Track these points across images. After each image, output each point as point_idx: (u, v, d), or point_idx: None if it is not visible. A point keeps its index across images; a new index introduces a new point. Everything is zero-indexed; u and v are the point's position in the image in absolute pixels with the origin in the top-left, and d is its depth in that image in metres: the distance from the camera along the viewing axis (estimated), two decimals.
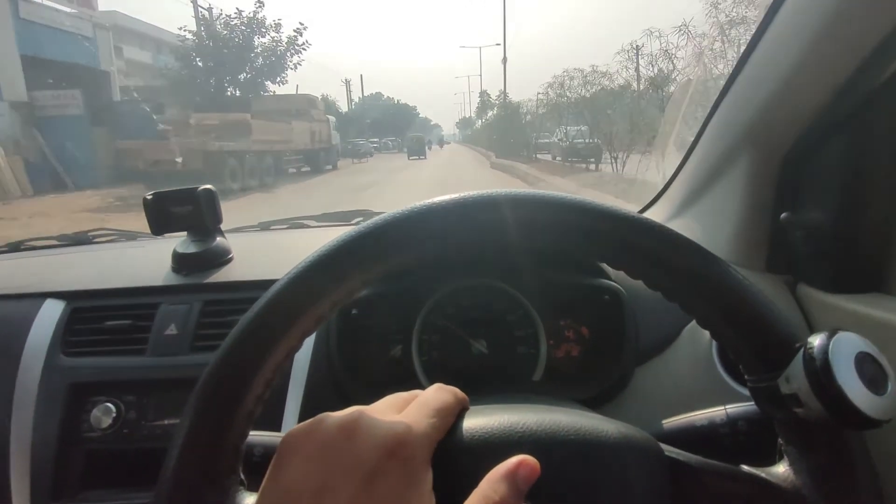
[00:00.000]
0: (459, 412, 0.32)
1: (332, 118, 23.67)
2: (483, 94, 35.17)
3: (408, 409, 0.30)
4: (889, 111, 0.54)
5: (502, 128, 20.07)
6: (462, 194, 0.32)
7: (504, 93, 22.30)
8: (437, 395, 0.31)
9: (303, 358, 0.65)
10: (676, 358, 0.64)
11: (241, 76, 19.93)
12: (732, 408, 0.45)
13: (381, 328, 0.71)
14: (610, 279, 0.68)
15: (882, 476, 0.46)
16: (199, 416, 0.29)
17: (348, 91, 52.43)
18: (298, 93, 21.71)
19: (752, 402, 0.45)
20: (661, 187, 0.90)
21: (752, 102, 0.63)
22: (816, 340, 0.27)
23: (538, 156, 16.43)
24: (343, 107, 50.68)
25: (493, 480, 0.27)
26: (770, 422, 0.33)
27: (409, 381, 0.67)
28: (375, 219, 0.32)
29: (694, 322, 0.65)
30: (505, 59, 26.70)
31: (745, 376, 0.32)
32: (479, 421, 0.31)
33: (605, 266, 0.70)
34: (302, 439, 0.27)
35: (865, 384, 0.26)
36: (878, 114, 0.55)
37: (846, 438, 0.29)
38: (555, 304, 0.70)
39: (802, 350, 0.28)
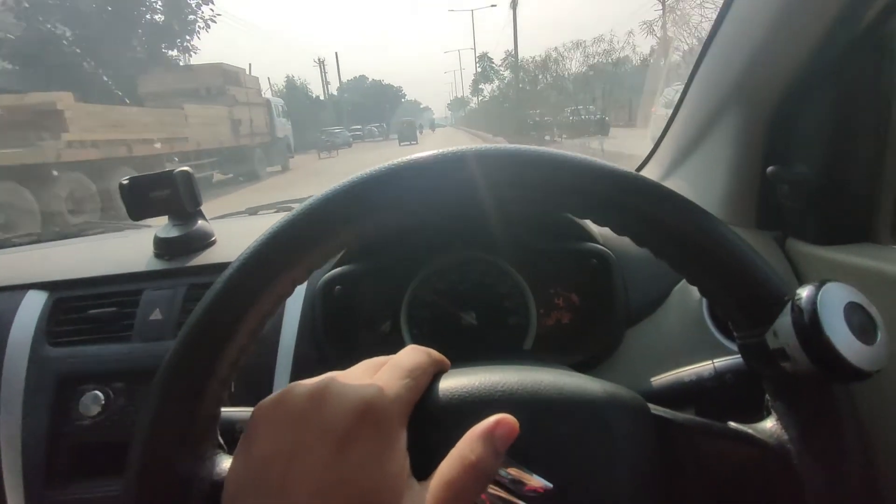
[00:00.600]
0: (437, 373, 0.31)
1: (277, 100, 16.81)
2: (483, 57, 30.82)
3: (380, 372, 0.29)
4: (869, 60, 0.53)
5: (515, 101, 15.42)
6: (432, 152, 0.31)
7: (514, 54, 17.40)
8: (411, 355, 0.30)
9: (289, 336, 0.64)
10: (667, 318, 0.64)
11: (134, 43, 13.00)
12: (720, 361, 0.45)
13: (368, 304, 0.70)
14: (598, 243, 0.67)
15: (876, 439, 0.46)
16: (170, 383, 0.28)
17: (322, 72, 43.53)
18: (211, 63, 13.26)
19: (737, 356, 0.45)
20: (650, 149, 0.89)
21: (734, 58, 0.62)
22: (804, 292, 0.26)
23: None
24: (317, 91, 42.78)
25: (470, 440, 0.26)
26: (757, 374, 0.32)
27: None
28: (355, 176, 0.30)
29: (684, 281, 0.64)
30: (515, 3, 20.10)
31: (734, 333, 0.31)
32: (458, 381, 0.31)
33: (592, 230, 0.69)
34: (272, 409, 0.27)
35: (855, 334, 0.25)
36: (860, 63, 0.53)
37: (834, 393, 0.29)
38: (543, 272, 0.69)
39: (790, 303, 0.27)
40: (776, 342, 0.27)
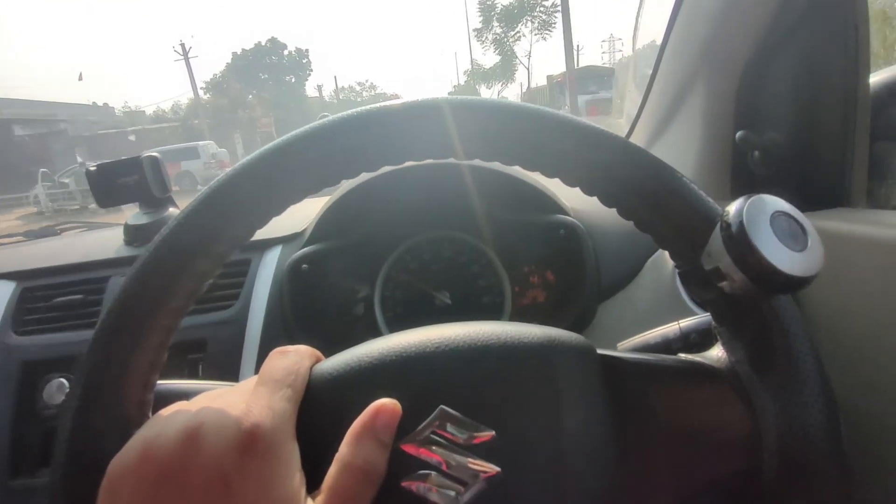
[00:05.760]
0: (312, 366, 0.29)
1: None
2: (474, 64, 34.32)
3: (253, 393, 0.25)
4: (837, 12, 0.52)
5: None
6: (388, 104, 0.29)
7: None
8: (279, 362, 0.27)
9: (256, 318, 0.63)
10: (640, 291, 0.63)
11: None
12: (685, 322, 0.43)
13: (339, 286, 0.69)
14: (567, 215, 0.67)
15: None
16: (93, 366, 0.26)
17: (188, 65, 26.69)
18: None
19: (704, 315, 0.44)
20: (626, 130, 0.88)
21: (699, 20, 0.61)
22: (732, 207, 0.25)
23: None
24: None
25: (350, 443, 0.25)
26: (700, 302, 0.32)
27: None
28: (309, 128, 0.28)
29: (657, 254, 0.63)
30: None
31: (674, 264, 0.31)
32: (338, 360, 0.28)
33: (562, 203, 0.68)
34: (136, 466, 0.23)
35: (784, 242, 0.24)
36: (825, 20, 0.52)
37: (775, 307, 0.28)
38: (515, 247, 0.68)
39: (720, 221, 0.26)
40: (710, 262, 0.26)
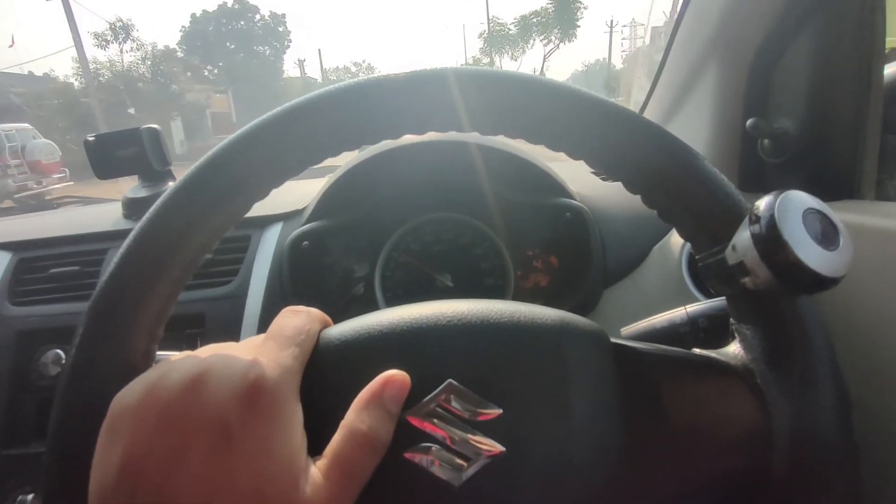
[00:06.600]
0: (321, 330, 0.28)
1: None
2: (493, 22, 26.66)
3: (261, 346, 0.25)
4: (850, 3, 0.51)
5: None
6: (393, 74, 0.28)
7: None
8: (290, 320, 0.27)
9: (256, 294, 0.63)
10: (645, 278, 0.62)
11: None
12: (692, 307, 0.43)
13: (341, 266, 0.69)
14: (573, 199, 0.66)
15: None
16: (102, 309, 0.26)
17: None
18: None
19: (711, 300, 0.43)
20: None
21: (714, 6, 0.60)
22: (763, 202, 0.25)
23: None
24: None
25: (357, 409, 0.24)
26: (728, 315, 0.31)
27: None
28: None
29: (663, 240, 0.62)
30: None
31: (696, 256, 0.30)
32: (353, 325, 0.28)
33: (568, 187, 0.67)
34: (138, 403, 0.23)
35: (815, 240, 0.23)
36: (840, 6, 0.51)
37: (797, 307, 0.27)
38: (519, 229, 0.68)
39: (749, 214, 0.25)
40: (735, 256, 0.25)
